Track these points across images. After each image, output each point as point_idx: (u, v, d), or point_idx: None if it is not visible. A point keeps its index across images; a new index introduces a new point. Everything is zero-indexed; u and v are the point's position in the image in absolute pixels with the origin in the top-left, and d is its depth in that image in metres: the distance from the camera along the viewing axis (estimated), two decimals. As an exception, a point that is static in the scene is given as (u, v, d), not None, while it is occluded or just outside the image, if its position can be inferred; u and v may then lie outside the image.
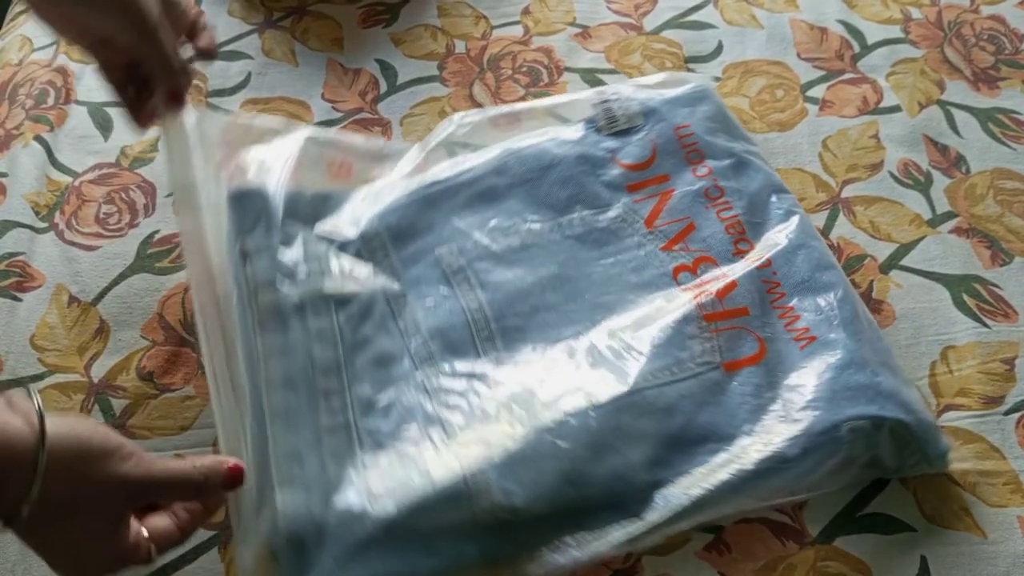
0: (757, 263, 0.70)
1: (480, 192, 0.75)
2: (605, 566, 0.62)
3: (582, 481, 0.60)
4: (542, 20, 0.97)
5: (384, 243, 0.72)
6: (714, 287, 0.69)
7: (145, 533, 0.52)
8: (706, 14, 0.97)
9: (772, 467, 0.61)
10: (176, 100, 0.66)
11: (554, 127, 0.80)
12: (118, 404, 0.70)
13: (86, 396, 0.71)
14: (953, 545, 0.63)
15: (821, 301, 0.68)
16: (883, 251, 0.78)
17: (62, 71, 0.93)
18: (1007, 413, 0.69)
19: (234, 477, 0.55)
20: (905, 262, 0.77)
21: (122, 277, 0.78)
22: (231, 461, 0.55)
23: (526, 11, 0.98)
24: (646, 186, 0.76)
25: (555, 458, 0.60)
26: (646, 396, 0.63)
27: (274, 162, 0.73)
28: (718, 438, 0.62)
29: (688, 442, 0.62)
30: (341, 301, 0.68)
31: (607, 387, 0.63)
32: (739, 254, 0.72)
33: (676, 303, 0.68)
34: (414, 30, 0.96)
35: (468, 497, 0.58)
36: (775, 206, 0.75)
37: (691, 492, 0.60)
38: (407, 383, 0.65)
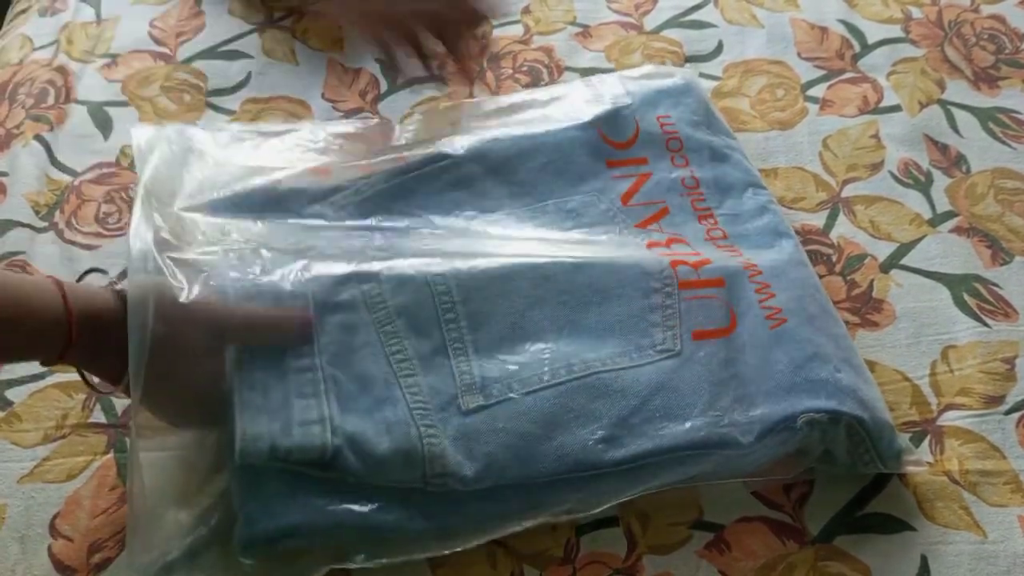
0: (729, 252, 0.72)
1: (458, 179, 0.75)
2: (604, 564, 0.62)
3: (530, 458, 0.61)
4: (542, 19, 0.97)
5: (359, 227, 0.72)
6: (690, 259, 0.70)
7: None
8: (706, 13, 0.97)
9: (722, 448, 0.62)
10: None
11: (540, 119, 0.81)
12: (120, 404, 0.70)
13: (87, 395, 0.71)
14: (953, 545, 0.63)
15: (791, 293, 0.69)
16: (883, 250, 0.78)
17: (62, 70, 0.93)
18: (1008, 412, 0.69)
19: None
20: (905, 261, 0.77)
21: (122, 276, 0.77)
22: None
23: (526, 10, 0.98)
24: (626, 165, 0.77)
25: (505, 433, 0.62)
26: (602, 379, 0.64)
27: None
28: (672, 418, 0.63)
29: (640, 422, 0.63)
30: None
31: (562, 368, 0.64)
32: (711, 241, 0.73)
33: (651, 260, 0.69)
34: (414, 29, 0.96)
35: (422, 459, 0.60)
36: (750, 201, 0.76)
37: (629, 451, 0.61)
38: (371, 351, 0.65)
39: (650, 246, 0.72)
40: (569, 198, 0.75)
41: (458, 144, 0.78)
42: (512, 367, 0.65)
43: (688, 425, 0.63)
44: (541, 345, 0.66)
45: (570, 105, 0.81)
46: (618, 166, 0.77)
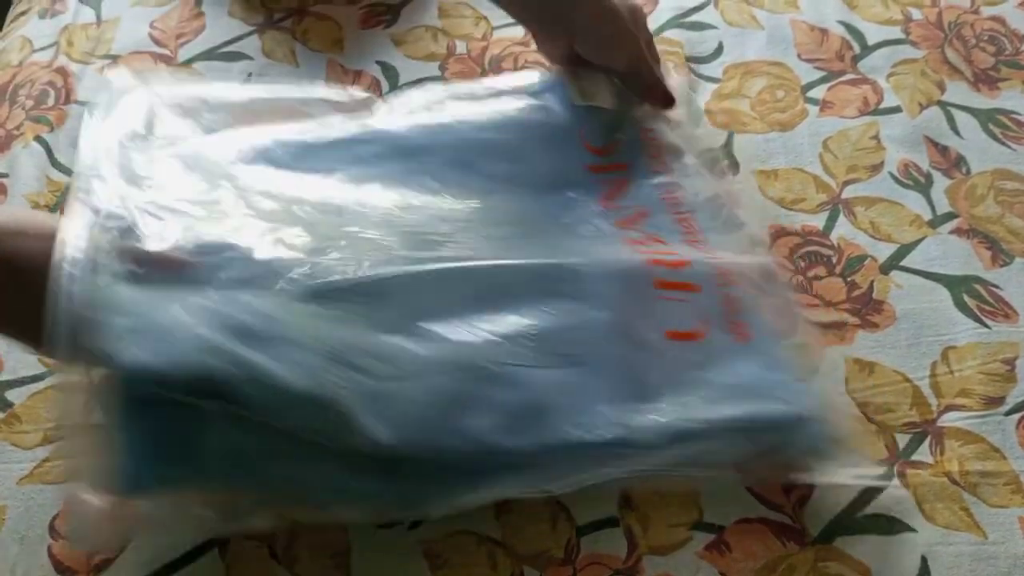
0: (707, 255, 0.72)
1: (418, 165, 0.74)
2: (605, 565, 0.62)
3: (436, 432, 0.59)
4: (543, 21, 0.97)
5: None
6: (668, 258, 0.70)
7: None
8: (707, 14, 0.97)
9: (673, 441, 0.62)
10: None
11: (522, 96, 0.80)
12: (118, 404, 0.70)
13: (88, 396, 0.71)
14: (953, 546, 0.63)
15: (759, 302, 0.69)
16: (883, 252, 0.78)
17: (62, 72, 0.93)
18: (1008, 414, 0.69)
19: None
20: (905, 263, 0.77)
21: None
22: None
23: (527, 12, 0.98)
24: (606, 171, 0.77)
25: (412, 403, 0.59)
26: (506, 370, 0.62)
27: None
28: (576, 420, 0.62)
29: (536, 416, 0.61)
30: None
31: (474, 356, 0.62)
32: (690, 244, 0.73)
33: (628, 257, 0.69)
34: (415, 31, 0.96)
35: (333, 406, 0.56)
36: (728, 213, 0.76)
37: (524, 442, 0.60)
38: (279, 304, 0.60)
39: (630, 243, 0.72)
40: (548, 199, 0.75)
41: (420, 129, 0.76)
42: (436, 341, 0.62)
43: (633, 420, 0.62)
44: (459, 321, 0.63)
45: (553, 99, 0.80)
46: (599, 171, 0.77)
